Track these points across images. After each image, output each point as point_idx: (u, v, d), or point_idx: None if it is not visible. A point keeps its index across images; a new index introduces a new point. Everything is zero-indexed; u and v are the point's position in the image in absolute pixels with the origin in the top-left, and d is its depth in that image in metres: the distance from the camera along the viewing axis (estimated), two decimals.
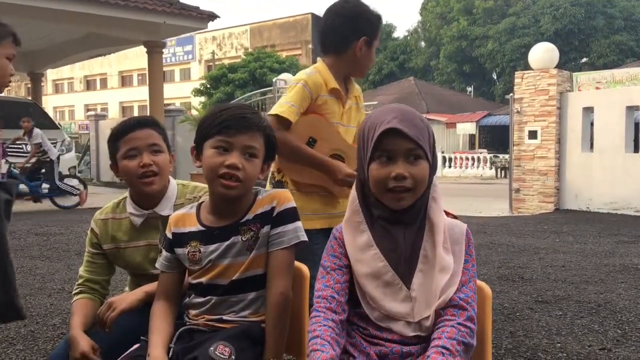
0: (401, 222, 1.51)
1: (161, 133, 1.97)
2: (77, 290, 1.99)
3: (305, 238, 1.71)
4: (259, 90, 15.46)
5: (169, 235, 1.75)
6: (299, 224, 1.71)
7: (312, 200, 2.40)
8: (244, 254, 1.67)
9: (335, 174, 2.33)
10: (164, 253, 1.76)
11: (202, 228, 1.71)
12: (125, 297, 1.86)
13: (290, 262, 1.71)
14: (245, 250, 1.67)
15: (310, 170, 2.38)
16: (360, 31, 2.40)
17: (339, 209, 2.39)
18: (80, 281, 2.01)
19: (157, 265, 1.78)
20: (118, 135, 1.92)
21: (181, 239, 1.73)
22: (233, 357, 1.51)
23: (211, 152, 1.64)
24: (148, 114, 13.40)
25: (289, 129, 2.31)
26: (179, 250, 1.73)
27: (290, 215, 1.70)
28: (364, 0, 2.47)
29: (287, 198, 1.72)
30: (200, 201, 1.82)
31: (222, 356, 1.50)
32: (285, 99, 2.35)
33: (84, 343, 1.76)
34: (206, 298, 1.69)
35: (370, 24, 2.42)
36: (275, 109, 2.34)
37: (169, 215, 1.84)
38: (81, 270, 2.03)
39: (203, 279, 1.69)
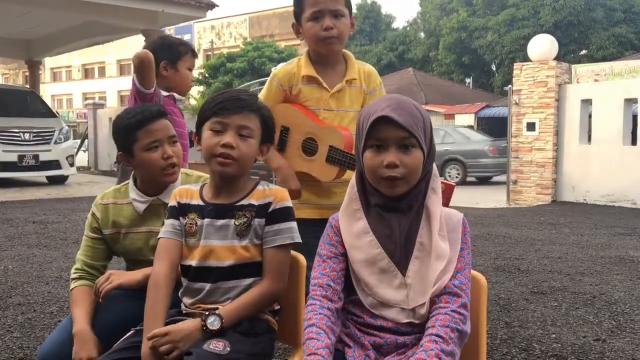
0: (397, 209, 1.52)
1: (171, 122, 1.99)
2: (75, 276, 1.98)
3: (299, 239, 1.73)
4: (257, 80, 15.43)
5: (174, 204, 1.78)
6: (293, 224, 1.73)
7: (301, 190, 2.36)
8: (234, 239, 1.69)
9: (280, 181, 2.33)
10: (169, 221, 1.77)
11: (201, 203, 1.75)
12: (125, 273, 1.87)
13: (283, 261, 1.72)
14: (235, 235, 1.69)
15: (293, 159, 2.35)
16: (294, 15, 2.35)
17: (333, 201, 2.33)
18: (78, 265, 2.00)
19: (160, 234, 1.77)
20: (136, 125, 1.91)
21: (183, 209, 1.76)
22: (228, 348, 1.53)
23: (208, 133, 1.69)
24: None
25: None
26: (180, 220, 1.76)
27: (286, 215, 1.72)
28: None
29: (284, 197, 1.74)
30: (203, 182, 1.85)
31: (216, 349, 1.52)
32: (259, 96, 2.38)
33: (91, 347, 1.74)
34: (200, 285, 1.70)
35: (294, 4, 2.33)
36: None
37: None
38: (79, 255, 2.02)
39: (193, 262, 1.71)
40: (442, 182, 2.27)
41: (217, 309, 1.64)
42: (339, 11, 2.25)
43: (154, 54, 2.70)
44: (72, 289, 1.96)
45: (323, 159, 2.28)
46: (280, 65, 2.45)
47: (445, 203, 2.33)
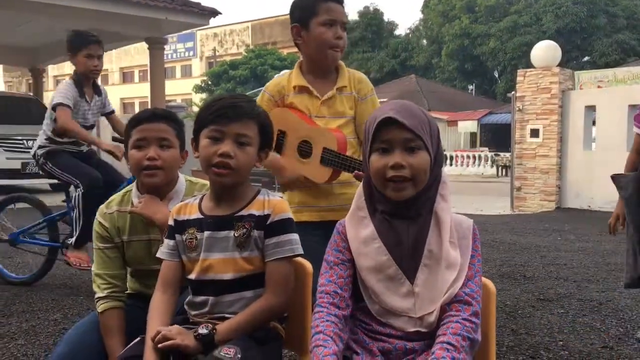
0: (405, 216, 1.50)
1: (176, 128, 1.96)
2: (105, 293, 1.93)
3: (300, 251, 1.71)
4: (260, 88, 15.46)
5: (171, 222, 1.76)
6: (295, 236, 1.70)
7: (299, 193, 2.41)
8: (235, 250, 1.67)
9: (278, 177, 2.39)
10: (166, 241, 1.76)
11: (201, 216, 1.72)
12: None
13: (285, 274, 1.68)
14: (235, 247, 1.66)
15: (289, 162, 2.39)
16: (293, 20, 2.41)
17: (332, 202, 2.37)
18: (101, 281, 1.95)
19: (158, 254, 1.77)
20: (133, 123, 1.93)
21: (181, 225, 1.73)
22: (239, 355, 1.50)
23: (205, 141, 1.67)
24: None
25: None
26: (178, 237, 1.73)
27: (286, 227, 1.69)
28: None
29: (283, 209, 1.71)
30: (203, 193, 1.83)
31: (227, 355, 1.49)
32: None
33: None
34: (203, 298, 1.68)
35: (298, 8, 2.38)
36: None
37: None
38: (97, 269, 1.97)
39: (193, 275, 1.69)
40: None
41: (222, 319, 1.63)
42: (347, 24, 2.37)
43: None
44: (103, 311, 1.91)
45: (317, 161, 2.33)
46: (272, 79, 2.56)
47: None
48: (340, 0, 2.37)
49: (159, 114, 1.96)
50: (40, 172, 4.41)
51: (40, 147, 4.17)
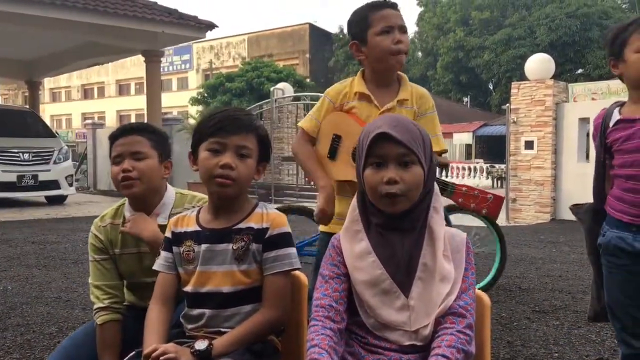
0: (399, 229, 1.52)
1: (152, 139, 1.98)
2: (104, 304, 1.95)
3: (298, 265, 1.71)
4: (259, 102, 15.48)
5: (169, 235, 1.76)
6: (292, 250, 1.71)
7: (341, 204, 2.35)
8: (233, 263, 1.67)
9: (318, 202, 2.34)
10: (163, 253, 1.76)
11: (198, 228, 1.72)
12: None
13: (282, 289, 1.69)
14: (233, 259, 1.67)
15: (343, 167, 2.36)
16: (350, 36, 2.39)
17: None
18: (98, 293, 1.96)
19: (155, 266, 1.77)
20: (111, 140, 1.98)
21: (178, 238, 1.74)
22: None
23: (206, 154, 1.67)
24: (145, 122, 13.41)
25: (309, 138, 2.40)
26: (175, 250, 1.74)
27: (284, 240, 1.70)
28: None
29: (281, 222, 1.71)
30: (201, 205, 1.83)
31: None
32: (310, 112, 2.47)
33: None
34: (200, 311, 1.68)
35: (353, 24, 2.37)
36: (301, 122, 2.48)
37: (163, 224, 1.85)
38: (94, 281, 1.99)
39: (189, 287, 1.69)
40: (491, 194, 2.32)
41: (218, 333, 1.63)
42: (405, 27, 2.32)
43: None
44: (102, 323, 1.92)
45: None
46: (334, 85, 2.49)
47: (496, 213, 2.37)
48: (394, 5, 2.33)
49: (133, 127, 2.00)
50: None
51: None
